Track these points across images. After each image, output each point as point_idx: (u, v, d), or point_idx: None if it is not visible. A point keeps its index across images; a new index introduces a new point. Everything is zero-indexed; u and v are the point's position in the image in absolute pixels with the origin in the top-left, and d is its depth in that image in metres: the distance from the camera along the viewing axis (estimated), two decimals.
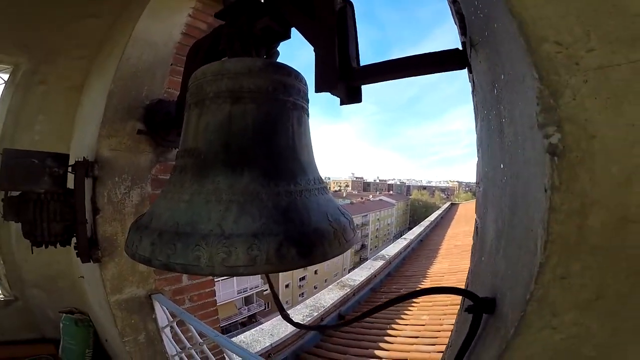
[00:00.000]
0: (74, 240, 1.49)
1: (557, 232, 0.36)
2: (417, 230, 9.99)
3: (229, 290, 23.96)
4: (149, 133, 1.54)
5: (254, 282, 26.06)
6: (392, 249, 7.22)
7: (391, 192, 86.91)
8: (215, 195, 0.69)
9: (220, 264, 0.59)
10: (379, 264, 5.88)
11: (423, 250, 8.45)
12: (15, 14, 1.98)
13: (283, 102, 0.85)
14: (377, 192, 78.45)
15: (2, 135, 2.30)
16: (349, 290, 4.32)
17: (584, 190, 0.35)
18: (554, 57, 0.36)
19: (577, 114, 0.35)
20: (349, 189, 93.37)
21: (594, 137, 0.35)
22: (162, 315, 1.84)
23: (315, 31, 0.83)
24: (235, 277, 24.33)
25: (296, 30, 0.95)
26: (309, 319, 3.47)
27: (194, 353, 1.77)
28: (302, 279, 32.05)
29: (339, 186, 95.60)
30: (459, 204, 22.97)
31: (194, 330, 1.62)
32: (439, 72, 0.70)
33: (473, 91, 0.71)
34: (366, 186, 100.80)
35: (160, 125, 1.52)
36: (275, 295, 1.01)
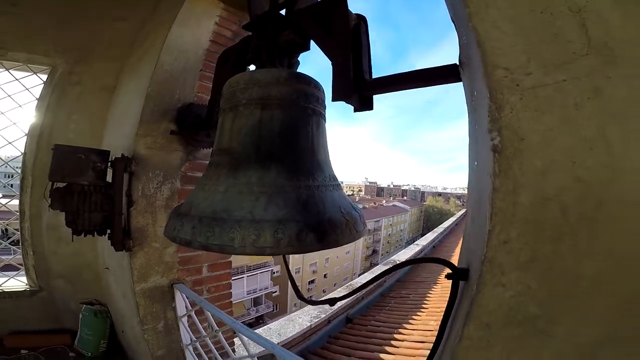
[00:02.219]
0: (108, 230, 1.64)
1: (498, 207, 0.48)
2: (430, 236, 9.90)
3: (238, 290, 24.22)
4: (181, 133, 1.68)
5: (264, 284, 26.27)
6: (404, 255, 7.19)
7: (405, 197, 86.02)
8: (247, 188, 0.81)
9: (251, 245, 0.71)
10: None
11: (435, 256, 8.38)
12: (53, 17, 2.16)
13: (304, 108, 0.97)
14: (391, 198, 77.79)
15: (41, 132, 2.51)
16: (357, 293, 4.44)
17: (515, 177, 0.47)
18: (502, 80, 0.48)
19: (512, 123, 0.47)
20: (362, 193, 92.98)
21: (523, 140, 0.47)
22: (181, 304, 1.97)
23: (332, 46, 0.94)
24: (245, 278, 24.58)
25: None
26: (317, 319, 3.52)
27: (209, 341, 1.88)
28: (311, 282, 32.04)
29: (352, 191, 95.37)
30: None
31: (211, 318, 1.73)
32: (440, 84, 0.80)
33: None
34: (380, 191, 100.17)
35: (190, 126, 1.67)
36: (291, 278, 1.12)
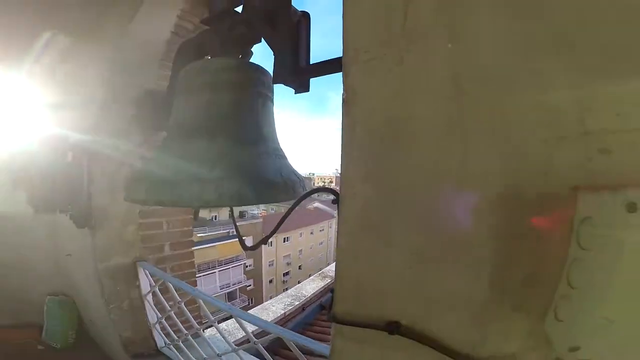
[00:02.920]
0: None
1: (345, 137, 0.71)
2: None
3: (211, 285, 23.87)
4: (140, 118, 1.76)
5: (237, 278, 26.09)
6: None
7: None
8: (197, 155, 0.95)
9: (197, 199, 0.86)
10: None
11: None
12: None
13: (251, 91, 1.13)
14: None
15: None
16: (330, 280, 4.45)
17: (353, 116, 0.70)
18: (351, 57, 0.69)
19: (353, 83, 0.69)
20: (333, 184, 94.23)
21: (356, 94, 0.69)
22: (145, 281, 2.04)
23: (275, 40, 1.11)
24: (217, 273, 24.25)
25: None
26: (290, 307, 3.59)
27: (174, 316, 1.97)
28: (286, 274, 32.21)
29: (323, 182, 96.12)
30: None
31: (174, 291, 1.83)
32: None
33: None
34: None
35: (149, 111, 1.75)
36: (235, 226, 1.29)
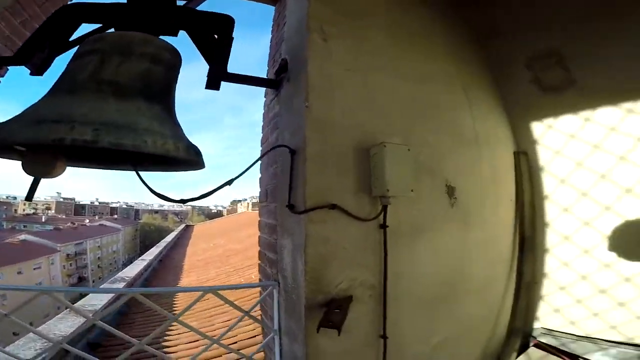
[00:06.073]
0: None
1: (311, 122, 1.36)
2: (155, 250, 9.77)
3: None
4: None
5: None
6: (132, 270, 6.67)
7: (116, 216, 73.91)
8: (137, 112, 1.07)
9: (160, 147, 1.02)
10: (121, 285, 5.33)
11: (166, 268, 8.37)
12: None
13: (176, 73, 1.30)
14: (97, 217, 64.00)
15: None
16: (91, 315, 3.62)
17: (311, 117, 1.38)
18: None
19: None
20: (52, 212, 69.06)
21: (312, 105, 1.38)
22: None
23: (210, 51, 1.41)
24: None
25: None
26: (44, 353, 2.48)
27: None
28: None
29: (34, 209, 67.81)
30: (194, 225, 24.32)
31: None
32: (267, 87, 1.57)
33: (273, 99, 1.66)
34: (80, 209, 78.67)
35: None
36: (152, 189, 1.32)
